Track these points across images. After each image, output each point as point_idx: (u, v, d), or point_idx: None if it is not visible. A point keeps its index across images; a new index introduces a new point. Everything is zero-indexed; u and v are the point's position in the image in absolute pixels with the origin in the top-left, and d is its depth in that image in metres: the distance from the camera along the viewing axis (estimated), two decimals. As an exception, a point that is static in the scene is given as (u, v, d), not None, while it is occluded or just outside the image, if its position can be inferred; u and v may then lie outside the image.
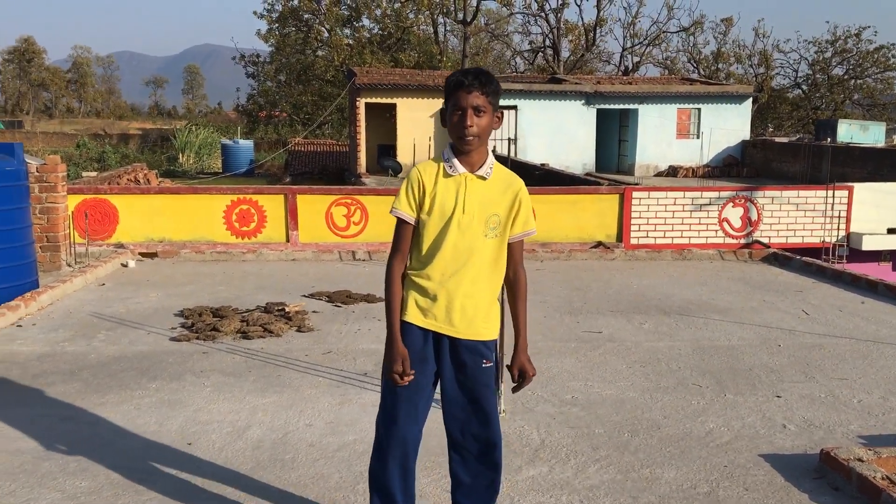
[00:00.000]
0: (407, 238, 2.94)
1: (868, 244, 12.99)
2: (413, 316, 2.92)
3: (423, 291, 2.91)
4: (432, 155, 24.27)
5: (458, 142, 2.85)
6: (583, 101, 25.30)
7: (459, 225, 2.86)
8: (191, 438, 4.41)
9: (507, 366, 3.02)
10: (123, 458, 4.15)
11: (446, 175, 2.89)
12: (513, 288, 3.03)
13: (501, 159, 14.22)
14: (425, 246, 2.91)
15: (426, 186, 2.89)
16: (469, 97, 2.79)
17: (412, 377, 2.89)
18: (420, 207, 2.91)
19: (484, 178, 2.89)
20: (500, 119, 2.92)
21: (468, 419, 3.00)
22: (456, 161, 2.89)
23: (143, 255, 10.52)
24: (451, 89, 2.83)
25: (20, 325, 6.91)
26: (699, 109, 25.86)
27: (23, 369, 5.67)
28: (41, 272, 8.83)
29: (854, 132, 23.63)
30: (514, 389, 3.06)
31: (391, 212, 2.94)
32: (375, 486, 3.08)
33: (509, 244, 2.96)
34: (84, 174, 23.00)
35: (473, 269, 2.88)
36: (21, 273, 7.95)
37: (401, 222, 2.93)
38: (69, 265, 9.72)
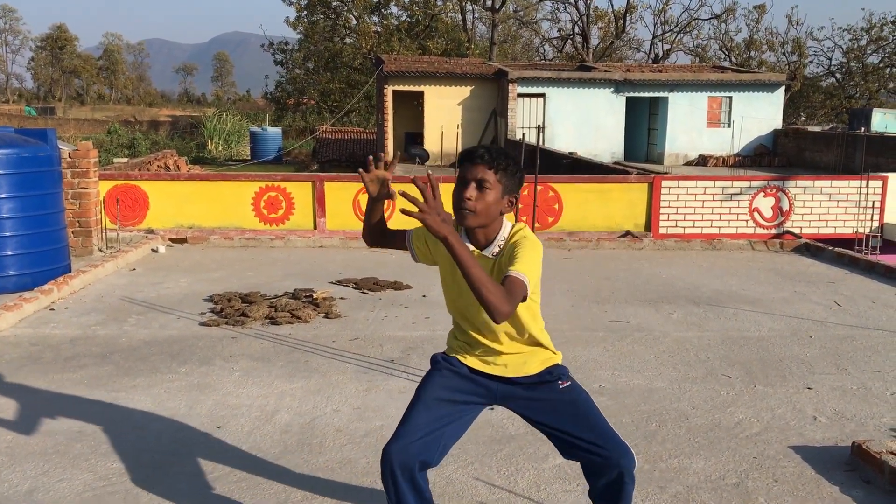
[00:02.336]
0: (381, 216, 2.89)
1: (902, 235, 12.77)
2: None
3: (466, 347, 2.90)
4: (460, 143, 24.24)
5: (454, 213, 2.67)
6: (612, 89, 25.09)
7: (466, 301, 2.74)
8: (220, 422, 4.45)
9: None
10: (154, 440, 4.20)
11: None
12: None
13: (530, 147, 14.14)
14: (451, 309, 2.90)
15: (431, 247, 2.87)
16: (473, 169, 2.64)
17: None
18: (427, 255, 2.90)
19: (488, 258, 2.72)
20: (512, 205, 2.73)
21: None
22: (465, 235, 2.75)
23: (172, 240, 10.62)
24: (460, 162, 2.71)
25: (53, 309, 7.02)
26: (730, 98, 25.54)
27: (55, 352, 5.76)
28: (73, 257, 8.96)
29: (889, 121, 23.24)
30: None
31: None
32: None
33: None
34: (115, 160, 23.29)
35: (495, 333, 2.81)
36: (54, 257, 8.07)
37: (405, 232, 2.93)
38: (100, 250, 9.84)
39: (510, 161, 2.69)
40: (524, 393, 2.87)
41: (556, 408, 2.85)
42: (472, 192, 2.63)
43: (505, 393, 2.88)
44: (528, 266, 2.58)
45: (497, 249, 2.72)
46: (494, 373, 2.86)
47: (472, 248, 2.73)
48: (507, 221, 2.78)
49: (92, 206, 9.65)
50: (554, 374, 2.89)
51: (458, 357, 2.89)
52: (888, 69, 42.52)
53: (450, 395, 2.84)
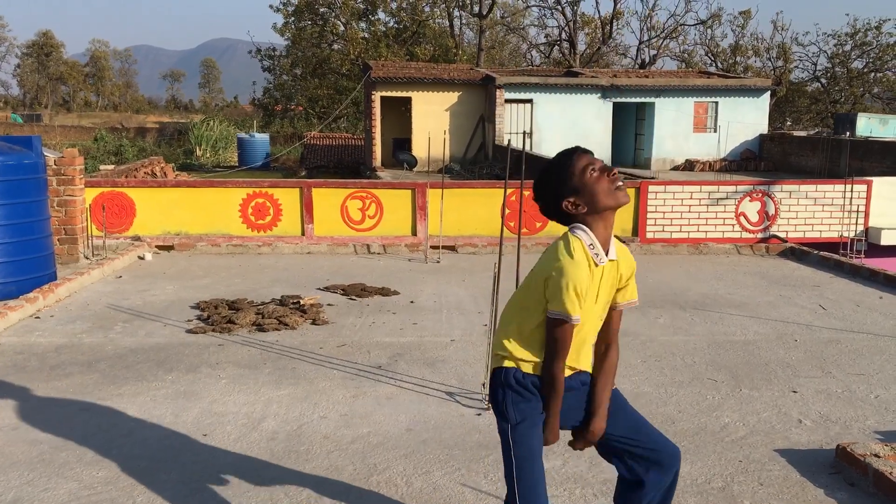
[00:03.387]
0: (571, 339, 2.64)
1: (887, 239, 12.85)
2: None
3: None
4: (447, 149, 24.25)
5: (615, 195, 2.61)
6: (599, 95, 25.19)
7: (589, 315, 2.68)
8: (206, 430, 4.44)
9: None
10: (140, 448, 4.18)
11: (596, 265, 2.63)
12: (605, 360, 2.86)
13: (517, 153, 14.18)
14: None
15: (590, 285, 2.62)
16: (592, 158, 2.64)
17: None
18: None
19: (614, 260, 2.70)
20: None
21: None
22: (599, 246, 2.63)
23: (159, 247, 10.58)
24: (572, 160, 2.63)
25: (38, 317, 6.98)
26: (716, 103, 25.67)
27: (41, 360, 5.73)
28: (59, 264, 8.91)
29: (873, 126, 23.39)
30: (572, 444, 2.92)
31: (562, 317, 2.56)
32: None
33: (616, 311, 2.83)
34: (101, 167, 23.19)
35: (587, 344, 2.78)
36: (39, 265, 8.03)
37: (565, 324, 2.59)
38: (86, 258, 9.79)
39: None
40: None
41: None
42: (614, 170, 2.63)
43: None
44: None
45: (614, 255, 2.70)
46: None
47: (605, 257, 2.64)
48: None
49: (78, 214, 9.61)
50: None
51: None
52: (872, 74, 42.83)
53: None
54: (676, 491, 3.71)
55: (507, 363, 2.72)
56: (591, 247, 2.61)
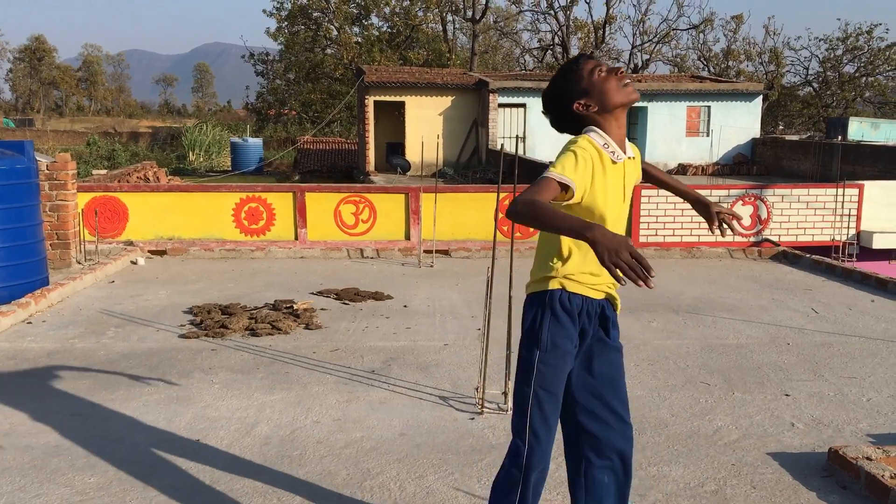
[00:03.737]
0: (552, 195, 2.47)
1: (878, 242, 12.91)
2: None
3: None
4: (441, 153, 24.28)
5: (625, 92, 2.61)
6: (592, 99, 25.22)
7: (620, 213, 2.68)
8: (199, 435, 4.43)
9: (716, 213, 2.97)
10: (132, 454, 4.17)
11: (613, 162, 2.61)
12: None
13: (510, 157, 14.21)
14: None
15: (595, 168, 2.56)
16: (598, 61, 2.65)
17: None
18: (582, 185, 2.53)
19: (633, 158, 2.73)
20: None
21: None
22: (614, 143, 2.62)
23: (152, 252, 10.56)
24: (581, 64, 2.64)
25: (30, 322, 6.95)
26: (709, 107, 25.77)
27: (33, 365, 5.70)
28: (51, 269, 8.88)
29: (865, 130, 23.51)
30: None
31: (547, 175, 2.46)
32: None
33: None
34: (94, 172, 23.14)
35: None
36: (31, 270, 8.00)
37: (557, 184, 2.47)
38: (79, 262, 9.77)
39: None
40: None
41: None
42: (621, 69, 2.63)
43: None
44: None
45: (632, 153, 2.73)
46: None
47: (623, 154, 2.64)
48: None
49: (70, 219, 9.59)
50: None
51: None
52: (864, 78, 43.05)
53: None
54: (669, 493, 3.73)
55: (553, 284, 2.66)
56: (606, 146, 2.61)
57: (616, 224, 2.66)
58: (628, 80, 2.63)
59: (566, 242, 2.63)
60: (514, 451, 2.75)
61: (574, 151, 2.52)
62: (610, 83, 2.61)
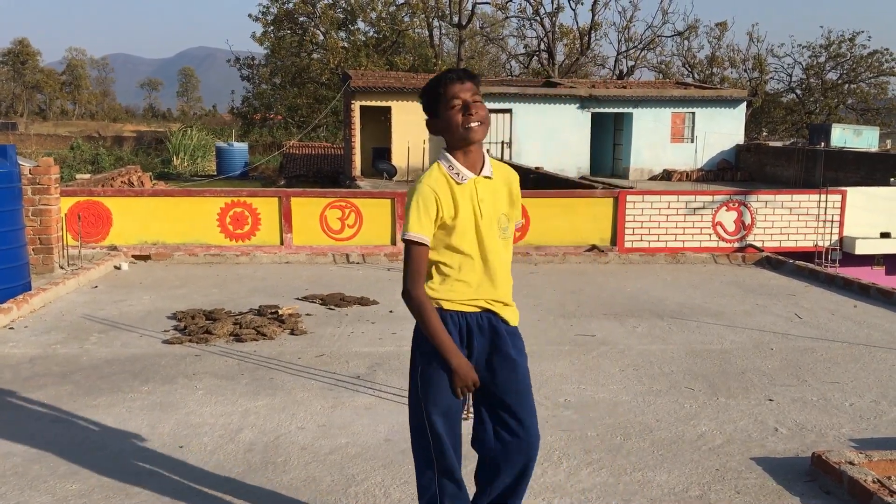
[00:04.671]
0: (425, 261, 2.74)
1: (861, 248, 13.04)
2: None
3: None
4: (427, 158, 24.30)
5: (465, 135, 2.70)
6: (577, 105, 25.34)
7: (481, 232, 2.77)
8: (182, 441, 4.40)
9: None
10: (115, 460, 4.14)
11: (458, 184, 2.75)
12: None
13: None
14: (450, 260, 2.76)
15: (443, 204, 2.72)
16: (467, 88, 2.71)
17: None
18: (435, 226, 2.73)
19: (489, 178, 2.81)
20: None
21: None
22: (461, 166, 2.75)
23: (136, 257, 10.50)
24: (446, 85, 2.71)
25: (12, 328, 6.89)
26: (693, 113, 25.92)
27: (14, 372, 5.65)
28: (34, 274, 8.81)
29: (848, 136, 23.72)
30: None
31: (405, 235, 2.70)
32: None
33: None
34: (78, 176, 22.97)
35: (497, 272, 2.82)
36: (13, 275, 7.94)
37: (419, 246, 2.71)
38: (62, 267, 9.69)
39: (477, 76, 2.82)
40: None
41: None
42: (475, 108, 2.70)
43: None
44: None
45: (490, 169, 2.82)
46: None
47: (471, 174, 2.76)
48: None
49: (53, 223, 9.51)
50: None
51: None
52: (846, 85, 43.42)
53: None
54: (654, 499, 3.73)
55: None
56: (451, 168, 2.75)
57: (490, 240, 2.79)
58: (475, 123, 2.70)
59: (436, 268, 2.78)
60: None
61: (415, 200, 2.70)
62: (455, 119, 2.70)
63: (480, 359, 2.84)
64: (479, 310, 2.82)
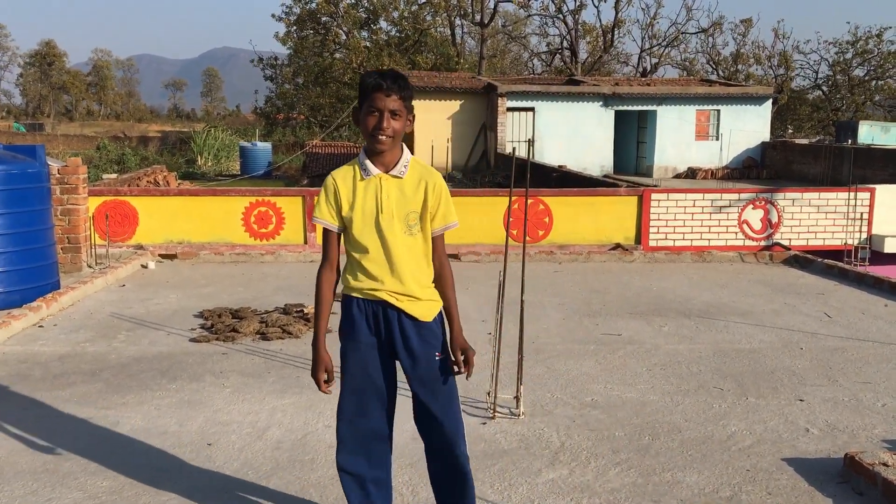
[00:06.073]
0: (333, 245, 2.99)
1: (890, 246, 12.83)
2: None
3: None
4: (450, 157, 24.31)
5: (370, 142, 2.89)
6: (601, 103, 25.21)
7: (382, 226, 2.90)
8: (211, 439, 4.42)
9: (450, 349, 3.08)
10: (144, 458, 4.17)
11: (362, 178, 2.93)
12: (439, 279, 3.06)
13: (520, 161, 14.18)
14: (354, 250, 2.96)
15: (341, 192, 2.93)
16: (387, 101, 2.83)
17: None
18: (340, 213, 2.94)
19: (399, 177, 2.93)
20: (412, 122, 3.00)
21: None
22: (369, 163, 2.92)
23: (162, 256, 10.58)
24: (369, 91, 2.84)
25: (41, 326, 6.96)
26: (718, 111, 25.69)
27: (44, 369, 5.71)
28: (62, 273, 8.90)
29: (875, 133, 23.40)
30: (467, 376, 3.08)
31: (312, 220, 3.03)
32: None
33: (432, 238, 3.00)
34: (104, 176, 23.21)
35: (402, 267, 2.92)
36: (43, 274, 8.02)
37: (325, 230, 2.98)
38: (90, 266, 9.79)
39: (409, 83, 2.94)
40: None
41: None
42: (388, 122, 2.84)
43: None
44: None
45: (403, 169, 2.94)
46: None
47: (378, 171, 2.92)
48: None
49: (81, 223, 9.61)
50: None
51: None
52: (874, 82, 42.87)
53: None
54: (684, 499, 3.69)
55: (346, 291, 3.03)
56: (361, 163, 2.94)
57: (392, 235, 2.90)
58: (383, 137, 2.85)
59: (348, 257, 3.01)
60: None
61: (322, 189, 2.97)
62: (367, 125, 2.86)
63: (393, 347, 2.99)
64: (381, 300, 2.94)
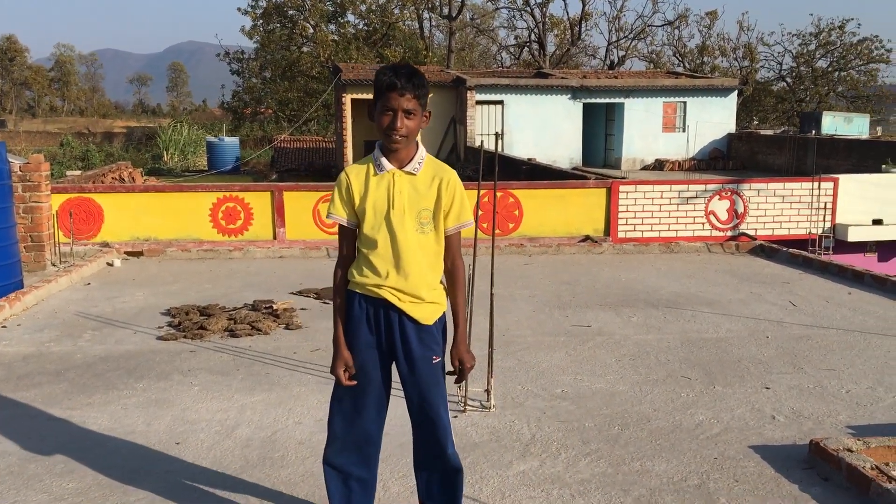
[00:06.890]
0: (349, 241, 2.97)
1: (854, 235, 13.07)
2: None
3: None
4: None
5: (385, 141, 2.86)
6: (569, 96, 25.32)
7: (392, 222, 2.86)
8: (179, 438, 4.38)
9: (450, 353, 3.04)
10: (111, 458, 4.11)
11: (375, 174, 2.89)
12: (450, 280, 3.03)
13: (488, 154, 14.19)
14: (363, 245, 2.92)
15: (354, 187, 2.90)
16: (401, 100, 2.79)
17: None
18: (353, 209, 2.92)
19: (412, 174, 2.89)
20: (428, 118, 2.94)
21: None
22: (384, 159, 2.89)
23: (128, 253, 10.45)
24: (384, 90, 2.80)
25: (5, 326, 6.85)
26: (685, 103, 25.93)
27: (8, 370, 5.61)
28: (26, 272, 8.76)
29: (838, 124, 23.77)
30: (456, 380, 3.09)
31: (327, 217, 3.00)
32: None
33: (446, 236, 2.97)
34: (68, 173, 22.85)
35: (410, 265, 2.88)
36: (5, 273, 7.89)
37: (340, 227, 2.97)
38: (54, 265, 9.64)
39: (425, 81, 2.87)
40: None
41: None
42: (402, 121, 2.81)
43: None
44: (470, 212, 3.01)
45: (417, 166, 2.91)
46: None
47: (392, 167, 2.89)
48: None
49: (44, 221, 9.46)
50: None
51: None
52: (837, 73, 43.51)
53: None
54: (653, 488, 3.73)
55: (350, 287, 2.98)
56: (375, 158, 2.91)
57: (402, 231, 2.86)
58: (397, 136, 2.82)
59: (357, 251, 2.96)
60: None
61: (336, 185, 2.96)
62: (382, 123, 2.84)
63: (392, 349, 2.95)
64: (382, 299, 2.90)
